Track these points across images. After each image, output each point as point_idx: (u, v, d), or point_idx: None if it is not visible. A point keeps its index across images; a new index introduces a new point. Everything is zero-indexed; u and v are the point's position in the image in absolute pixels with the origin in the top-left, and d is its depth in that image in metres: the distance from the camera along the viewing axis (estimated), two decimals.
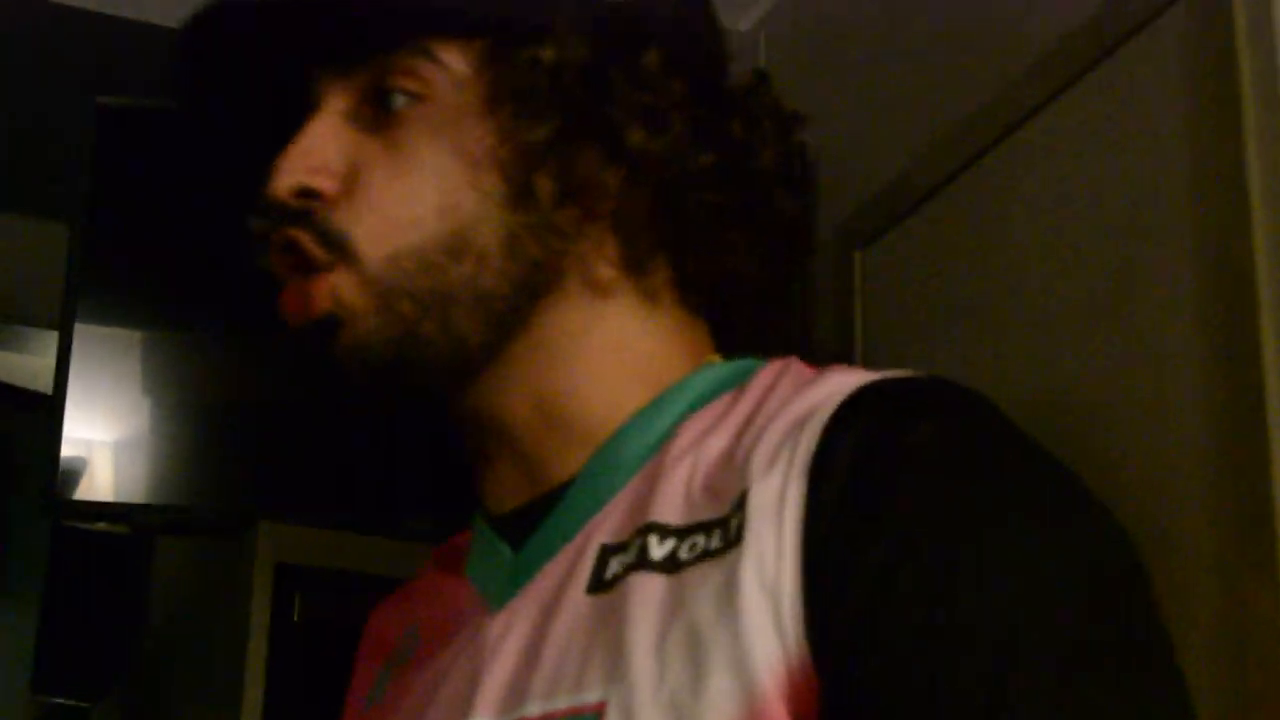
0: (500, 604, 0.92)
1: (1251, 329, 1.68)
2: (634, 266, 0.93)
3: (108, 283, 2.31)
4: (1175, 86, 1.87)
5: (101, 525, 2.52)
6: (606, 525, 0.88)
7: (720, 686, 0.75)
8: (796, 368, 0.90)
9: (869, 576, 0.74)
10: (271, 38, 0.93)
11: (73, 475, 2.36)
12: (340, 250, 0.90)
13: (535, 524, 0.93)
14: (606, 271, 0.93)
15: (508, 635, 0.89)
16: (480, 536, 0.98)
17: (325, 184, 0.91)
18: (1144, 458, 1.84)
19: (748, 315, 0.99)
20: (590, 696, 0.81)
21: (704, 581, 0.79)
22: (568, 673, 0.83)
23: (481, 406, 0.94)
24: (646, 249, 0.93)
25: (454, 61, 0.91)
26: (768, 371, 0.90)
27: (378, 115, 0.92)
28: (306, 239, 0.90)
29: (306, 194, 0.90)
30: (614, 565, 0.86)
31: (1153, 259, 1.87)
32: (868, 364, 2.32)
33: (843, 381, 0.82)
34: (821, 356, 2.38)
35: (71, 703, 2.68)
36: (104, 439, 2.32)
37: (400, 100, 0.91)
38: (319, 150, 0.92)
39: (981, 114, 2.19)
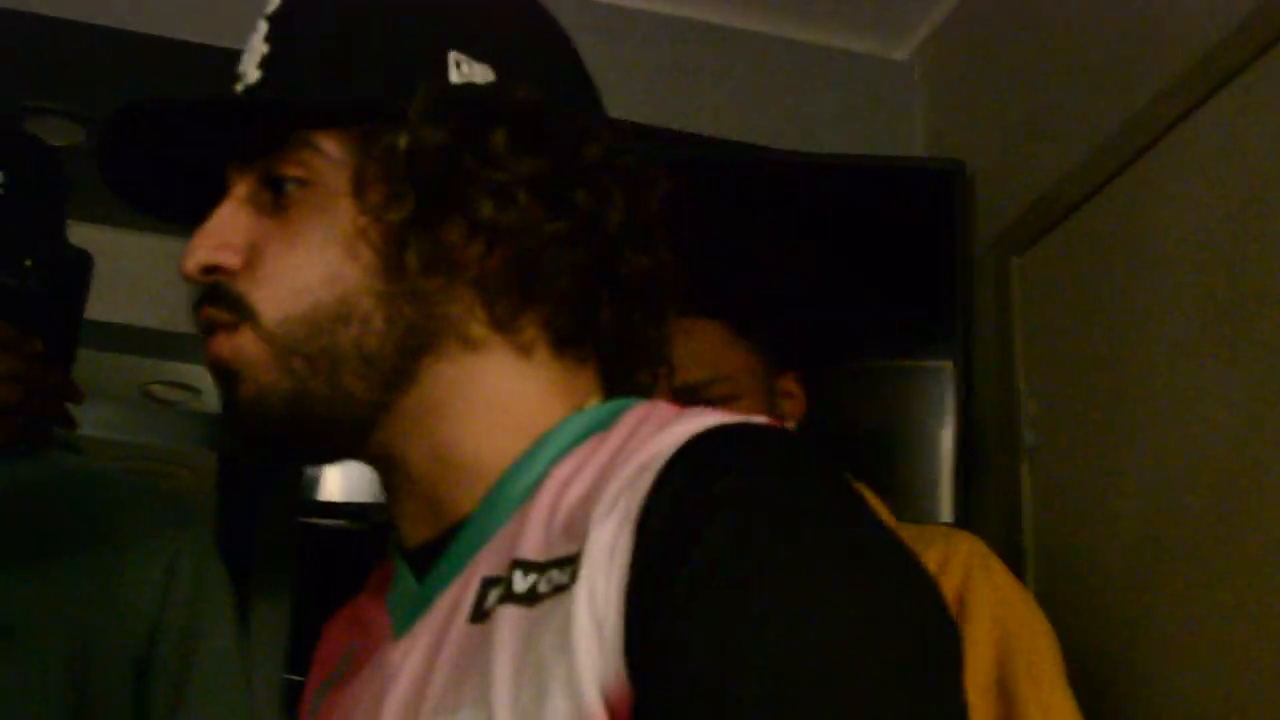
0: (402, 632, 0.96)
1: None
2: (502, 324, 0.95)
3: None
4: None
5: (341, 522, 2.64)
6: (488, 560, 0.90)
7: (558, 706, 0.79)
8: (660, 411, 0.91)
9: (668, 611, 0.77)
10: (181, 136, 0.99)
11: (316, 479, 2.46)
12: (241, 311, 0.93)
13: (437, 558, 0.95)
14: (478, 330, 0.95)
15: (405, 661, 0.93)
16: (397, 568, 1.00)
17: (228, 259, 0.94)
18: None
19: (624, 359, 1.00)
20: (462, 717, 0.85)
21: (552, 614, 0.82)
22: (449, 696, 0.87)
23: (384, 455, 0.97)
24: (512, 308, 0.95)
25: (332, 149, 0.94)
26: (632, 416, 0.92)
27: (274, 199, 0.95)
28: (214, 310, 0.95)
29: (212, 269, 0.94)
30: (491, 597, 0.88)
31: None
32: (1033, 369, 2.41)
33: (681, 431, 0.84)
34: (979, 361, 2.41)
35: None
36: None
37: (290, 185, 0.94)
38: (223, 231, 0.95)
39: (1129, 124, 2.22)
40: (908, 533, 1.85)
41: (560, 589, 0.83)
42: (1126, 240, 2.22)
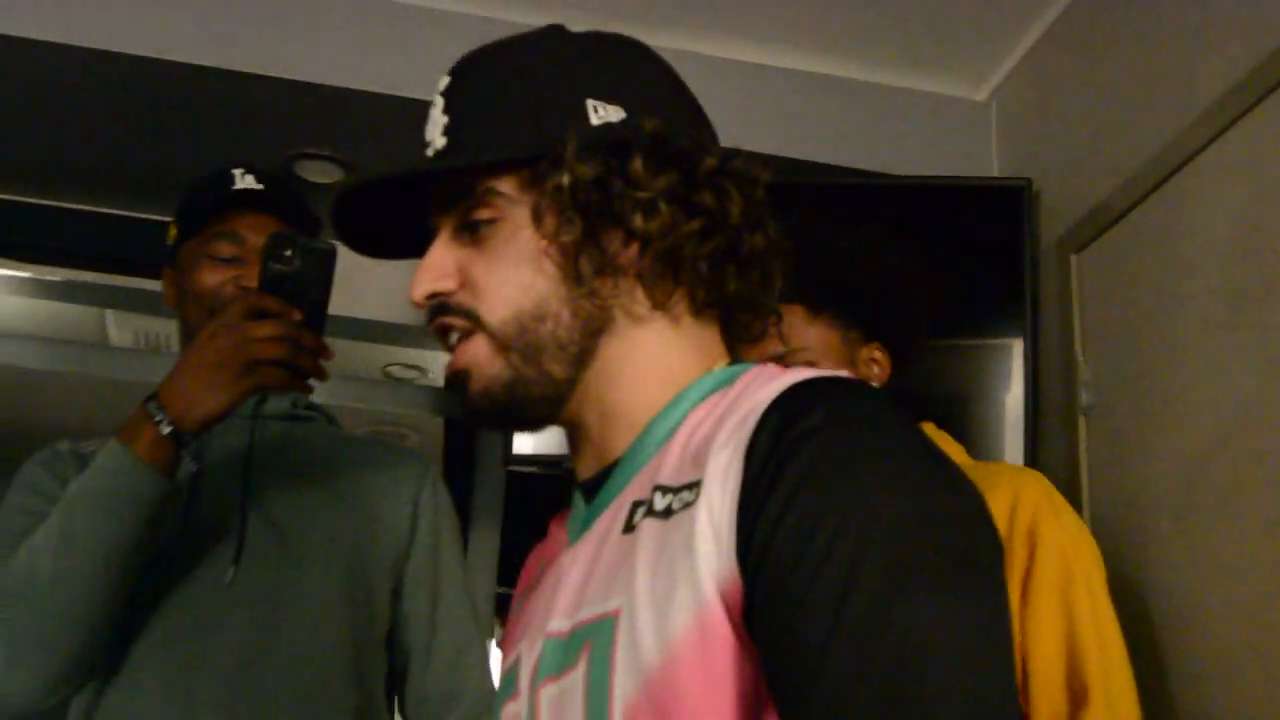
0: (573, 543, 0.99)
1: None
2: (659, 304, 0.97)
3: None
4: None
5: (535, 469, 2.67)
6: (637, 486, 0.93)
7: (683, 594, 0.81)
8: (767, 371, 0.93)
9: (770, 515, 0.79)
10: (398, 197, 1.02)
11: (516, 436, 2.47)
12: (471, 317, 0.97)
13: (599, 488, 0.98)
14: (641, 310, 0.97)
15: (574, 565, 0.95)
16: (573, 498, 1.03)
17: (447, 284, 0.98)
18: None
19: (744, 317, 1.02)
20: (612, 604, 0.87)
21: (681, 525, 0.84)
22: (604, 589, 0.90)
23: (570, 419, 0.99)
24: (666, 290, 0.97)
25: (510, 190, 0.96)
26: (747, 375, 0.93)
27: (471, 235, 0.98)
28: (448, 318, 0.98)
29: (435, 295, 0.98)
30: (638, 514, 0.90)
31: None
32: (1088, 343, 2.41)
33: (780, 383, 0.86)
34: (1044, 338, 2.39)
35: None
36: None
37: (482, 224, 0.97)
38: (439, 265, 0.98)
39: (1167, 148, 2.21)
40: (983, 469, 1.84)
41: (688, 505, 0.85)
42: (1165, 241, 2.21)
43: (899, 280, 1.84)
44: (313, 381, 1.54)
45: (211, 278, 1.67)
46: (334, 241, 1.48)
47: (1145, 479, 2.18)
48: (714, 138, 1.03)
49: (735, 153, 0.99)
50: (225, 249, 1.68)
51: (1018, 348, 2.55)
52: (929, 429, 1.86)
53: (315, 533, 1.68)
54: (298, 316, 1.49)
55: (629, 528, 0.91)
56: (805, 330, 1.78)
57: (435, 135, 1.00)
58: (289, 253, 1.50)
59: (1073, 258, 2.48)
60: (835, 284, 1.78)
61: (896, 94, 2.91)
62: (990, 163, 2.88)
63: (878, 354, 1.83)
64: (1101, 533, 1.96)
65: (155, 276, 2.88)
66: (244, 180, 1.71)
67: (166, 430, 1.45)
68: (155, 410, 1.46)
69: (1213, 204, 2.09)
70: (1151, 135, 2.29)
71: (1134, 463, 2.22)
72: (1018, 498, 1.76)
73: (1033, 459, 2.48)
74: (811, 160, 2.76)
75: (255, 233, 1.67)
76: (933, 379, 2.36)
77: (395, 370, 3.71)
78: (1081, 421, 2.40)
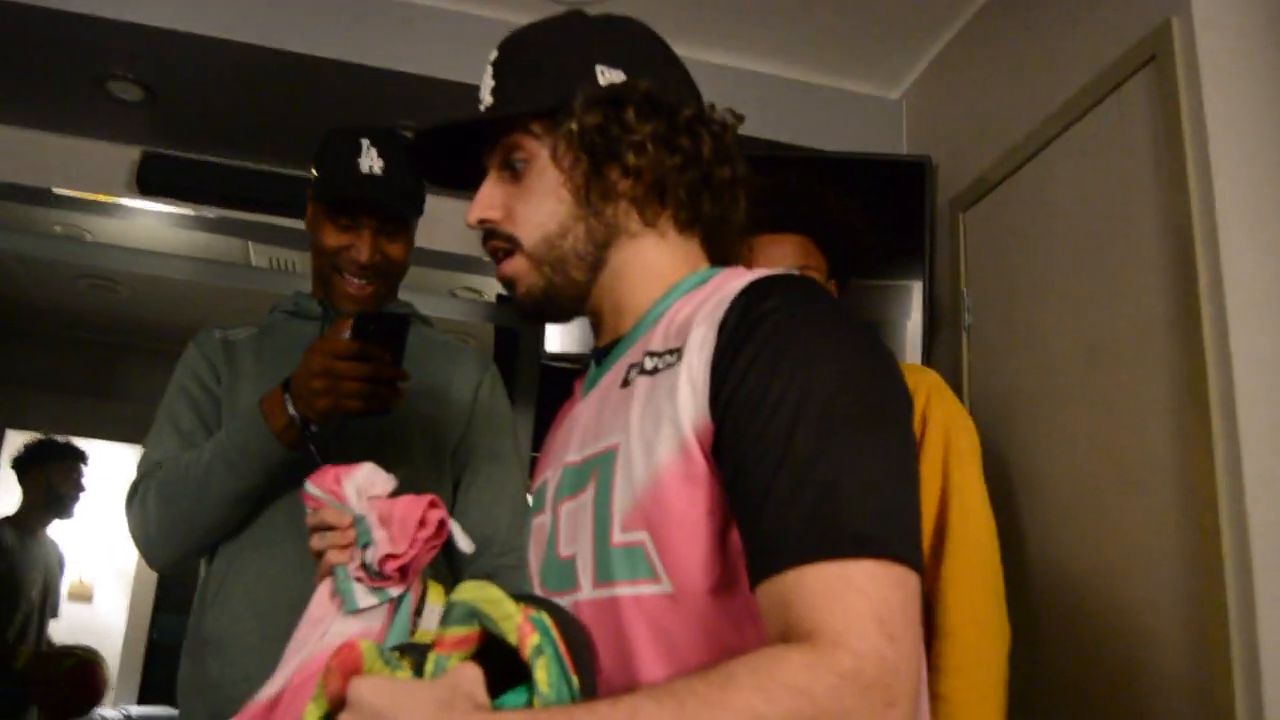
0: (585, 395, 0.97)
1: (1192, 289, 1.68)
2: (650, 222, 0.94)
3: None
4: (1142, 119, 1.87)
5: (563, 364, 2.63)
6: (633, 354, 0.91)
7: (666, 431, 0.80)
8: (736, 271, 0.91)
9: (735, 375, 0.78)
10: (454, 140, 0.99)
11: (545, 338, 2.48)
12: (513, 242, 0.95)
13: (607, 355, 0.96)
14: (636, 227, 0.94)
15: (584, 412, 0.94)
16: (589, 364, 1.01)
17: (493, 214, 0.95)
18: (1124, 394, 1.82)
19: (717, 234, 0.98)
20: (612, 440, 0.86)
21: (665, 380, 0.83)
22: (606, 430, 0.88)
23: (591, 310, 0.97)
24: (655, 212, 0.94)
25: (540, 132, 0.94)
26: (721, 275, 0.91)
27: (512, 174, 0.95)
28: (496, 241, 0.96)
29: (484, 221, 0.96)
30: (633, 373, 0.88)
31: (1121, 232, 1.88)
32: (970, 279, 2.43)
33: (746, 279, 0.84)
34: (938, 276, 2.39)
35: None
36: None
37: (519, 163, 0.95)
38: (487, 199, 0.96)
39: (1032, 133, 2.20)
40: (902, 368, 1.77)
41: (670, 366, 0.84)
42: (1031, 202, 2.20)
43: (858, 226, 1.72)
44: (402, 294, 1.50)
45: (332, 240, 1.62)
46: (407, 311, 1.42)
47: (1011, 380, 2.17)
48: (698, 96, 0.99)
49: (712, 107, 0.96)
50: (344, 221, 1.62)
51: (918, 287, 2.51)
52: None
53: (407, 409, 1.62)
54: (386, 357, 1.42)
55: (625, 383, 0.89)
56: (806, 257, 1.68)
57: (485, 94, 0.97)
58: (372, 326, 1.43)
59: (960, 215, 2.46)
60: (832, 225, 1.68)
61: (832, 92, 2.89)
62: (901, 143, 2.84)
63: (832, 289, 1.74)
64: (978, 419, 1.97)
65: (286, 215, 2.85)
66: (368, 157, 1.60)
67: (295, 415, 1.43)
68: (288, 400, 1.43)
69: (1067, 175, 2.08)
70: (1022, 124, 2.27)
71: (1003, 368, 2.21)
72: (915, 387, 1.70)
73: (927, 365, 2.47)
74: (767, 139, 2.71)
75: (368, 217, 1.61)
76: (857, 310, 2.35)
77: (459, 291, 3.70)
78: (964, 337, 2.38)
